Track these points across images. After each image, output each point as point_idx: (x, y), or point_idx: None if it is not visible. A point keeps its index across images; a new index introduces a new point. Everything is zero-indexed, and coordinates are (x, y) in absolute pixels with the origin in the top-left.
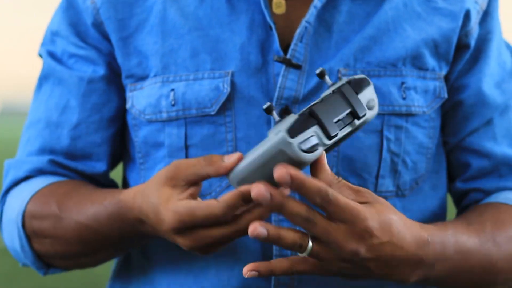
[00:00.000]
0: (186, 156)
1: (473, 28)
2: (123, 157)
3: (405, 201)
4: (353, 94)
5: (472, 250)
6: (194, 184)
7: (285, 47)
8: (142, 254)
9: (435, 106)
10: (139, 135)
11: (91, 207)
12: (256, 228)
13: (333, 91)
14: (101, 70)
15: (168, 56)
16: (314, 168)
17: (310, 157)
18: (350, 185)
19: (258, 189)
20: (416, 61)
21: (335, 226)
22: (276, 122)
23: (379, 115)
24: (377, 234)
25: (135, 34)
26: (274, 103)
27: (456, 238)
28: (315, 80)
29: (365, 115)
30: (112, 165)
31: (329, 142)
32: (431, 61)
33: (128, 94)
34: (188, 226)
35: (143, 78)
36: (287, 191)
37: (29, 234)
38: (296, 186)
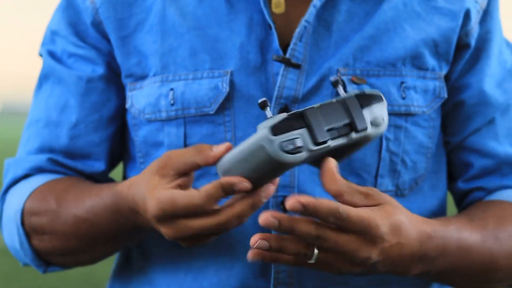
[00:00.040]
0: None
1: (473, 27)
2: (123, 157)
3: (405, 200)
4: (357, 107)
5: (473, 246)
6: (185, 175)
7: (284, 47)
8: (142, 253)
9: (435, 106)
10: (139, 135)
11: (88, 200)
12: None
13: (336, 100)
14: (100, 70)
15: (167, 56)
16: (326, 178)
17: (291, 158)
18: (360, 189)
19: (265, 217)
20: (415, 61)
21: (346, 238)
22: (268, 119)
23: None
24: (387, 238)
25: (134, 33)
26: (273, 103)
27: (458, 234)
28: (314, 79)
29: (365, 129)
30: (111, 165)
31: (315, 148)
32: (431, 61)
33: (128, 94)
34: (169, 214)
35: (143, 77)
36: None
37: (28, 231)
38: (309, 213)
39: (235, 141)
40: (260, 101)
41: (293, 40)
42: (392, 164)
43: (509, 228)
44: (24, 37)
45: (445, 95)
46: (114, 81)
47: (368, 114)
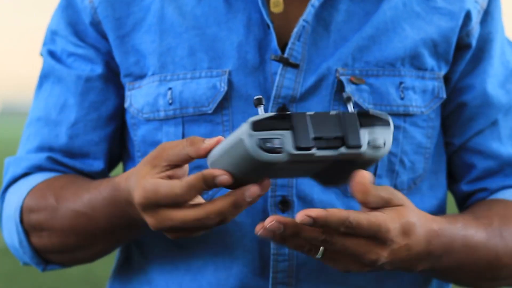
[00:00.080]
0: None
1: (474, 28)
2: (122, 156)
3: None
4: (354, 124)
5: (479, 244)
6: (178, 167)
7: (282, 46)
8: (141, 253)
9: (434, 106)
10: (137, 134)
11: (87, 194)
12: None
13: (336, 112)
14: (98, 69)
15: (165, 55)
16: (359, 191)
17: (266, 157)
18: (384, 196)
19: (269, 221)
20: (414, 61)
21: (354, 241)
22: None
23: None
24: (397, 240)
25: (133, 33)
26: (271, 102)
27: (465, 231)
28: (313, 79)
29: (357, 147)
30: (111, 165)
31: (295, 152)
32: (430, 61)
33: (127, 93)
34: (152, 203)
35: (141, 77)
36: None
37: (27, 228)
38: (320, 225)
39: None
40: (255, 98)
41: (291, 40)
42: (390, 164)
43: None
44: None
45: (444, 96)
46: (113, 80)
47: (367, 134)
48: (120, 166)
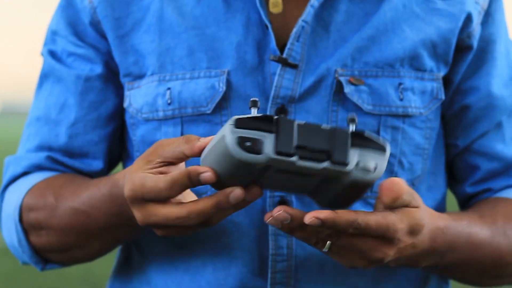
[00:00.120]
0: None
1: (475, 29)
2: (122, 156)
3: None
4: (344, 141)
5: (483, 242)
6: (172, 164)
7: (281, 46)
8: (141, 253)
9: (433, 107)
10: (137, 134)
11: (86, 192)
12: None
13: (329, 126)
14: (98, 69)
15: (164, 55)
16: (389, 196)
17: (244, 156)
18: (405, 199)
19: (278, 211)
20: (414, 62)
21: (361, 239)
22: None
23: (376, 115)
24: (404, 239)
25: (132, 32)
26: (270, 102)
27: (469, 229)
28: (311, 79)
29: (343, 164)
30: (111, 165)
31: (274, 156)
32: (429, 62)
33: (126, 93)
34: (138, 197)
35: (140, 76)
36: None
37: (26, 227)
38: (328, 227)
39: None
40: (251, 99)
41: (290, 40)
42: (389, 165)
43: None
44: (24, 37)
45: (443, 97)
46: (112, 80)
47: (357, 154)
48: (120, 166)
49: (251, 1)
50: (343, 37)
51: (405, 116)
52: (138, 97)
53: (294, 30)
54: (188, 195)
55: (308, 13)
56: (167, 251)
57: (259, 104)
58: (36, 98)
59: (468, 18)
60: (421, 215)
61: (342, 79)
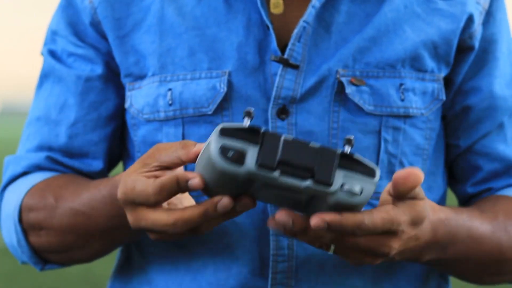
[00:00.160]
0: None
1: (476, 29)
2: (122, 156)
3: None
4: (330, 161)
5: (484, 236)
6: (168, 169)
7: (282, 47)
8: (141, 253)
9: (434, 108)
10: (138, 135)
11: (86, 193)
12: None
13: (319, 145)
14: (98, 69)
15: (165, 56)
16: (407, 185)
17: (225, 166)
18: (415, 190)
19: (279, 215)
20: (415, 63)
21: (366, 238)
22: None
23: (377, 116)
24: (407, 230)
25: (132, 33)
26: (271, 103)
27: (470, 223)
28: (313, 80)
29: (327, 185)
30: (110, 164)
31: (254, 169)
32: (430, 63)
33: (127, 94)
34: (129, 200)
35: (141, 77)
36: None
37: (26, 227)
38: (335, 230)
39: None
40: (246, 110)
41: (291, 41)
42: (390, 166)
43: None
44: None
45: (444, 97)
46: (112, 80)
47: (343, 176)
48: (120, 166)
49: (252, 1)
50: (344, 38)
51: (406, 117)
52: (139, 98)
53: (296, 30)
54: (186, 199)
55: (309, 13)
56: (167, 251)
57: (253, 115)
58: (36, 98)
59: (470, 19)
60: (423, 207)
61: (343, 79)
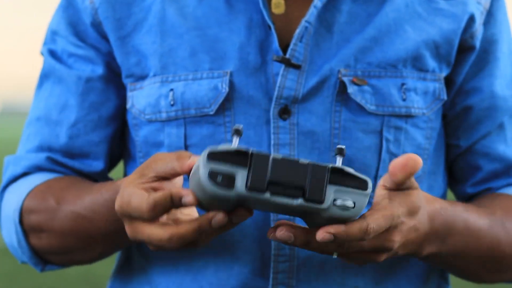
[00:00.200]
0: None
1: (477, 29)
2: (123, 156)
3: None
4: (321, 177)
5: (481, 229)
6: (166, 179)
7: (284, 47)
8: (142, 253)
9: (435, 107)
10: (139, 135)
11: (87, 197)
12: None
13: (308, 162)
14: (99, 70)
15: (167, 56)
16: (404, 172)
17: (215, 191)
18: (411, 178)
19: (280, 233)
20: (416, 62)
21: (370, 241)
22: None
23: (379, 116)
24: (406, 221)
25: (133, 33)
26: (273, 103)
27: (466, 215)
28: (314, 80)
29: (318, 202)
30: (111, 164)
31: (244, 192)
32: (431, 63)
33: (129, 94)
34: (125, 213)
35: (143, 77)
36: None
37: (26, 229)
38: (341, 241)
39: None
40: (234, 127)
41: (293, 41)
42: None
43: None
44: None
45: (445, 97)
46: (113, 81)
47: (334, 191)
48: (120, 166)
49: (253, 2)
50: (346, 38)
51: (407, 117)
52: (140, 98)
53: (297, 30)
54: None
55: (311, 13)
56: (169, 251)
57: (241, 132)
58: (36, 98)
59: (471, 19)
60: (416, 197)
61: (345, 79)
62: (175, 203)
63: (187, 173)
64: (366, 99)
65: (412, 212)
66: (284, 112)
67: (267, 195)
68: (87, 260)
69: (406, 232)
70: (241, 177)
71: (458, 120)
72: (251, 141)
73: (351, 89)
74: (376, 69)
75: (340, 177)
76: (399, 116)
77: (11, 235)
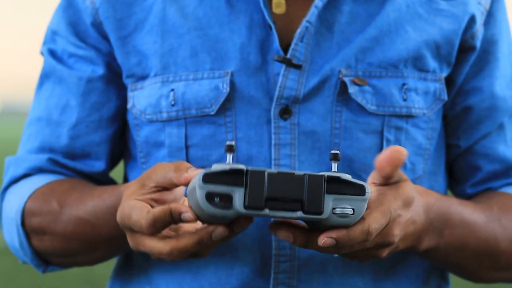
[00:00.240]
0: (187, 156)
1: (478, 30)
2: (124, 156)
3: None
4: (318, 188)
5: (477, 224)
6: (166, 189)
7: (285, 47)
8: (142, 253)
9: (435, 108)
10: (140, 135)
11: (90, 201)
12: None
13: (304, 173)
14: (100, 70)
15: (167, 56)
16: (391, 165)
17: (214, 211)
18: (399, 171)
19: (280, 233)
20: (417, 63)
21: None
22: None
23: (380, 116)
24: (402, 213)
25: (134, 33)
26: (274, 103)
27: (461, 208)
28: (315, 80)
29: (317, 213)
30: (111, 164)
31: (243, 211)
32: (432, 63)
33: (129, 94)
34: (126, 226)
35: (143, 77)
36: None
37: (29, 231)
38: (344, 245)
39: (236, 142)
40: (227, 144)
41: (294, 41)
42: None
43: None
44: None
45: (445, 97)
46: (114, 81)
47: (331, 201)
48: (120, 166)
49: (254, 2)
50: (347, 38)
51: (408, 117)
52: (141, 98)
53: (298, 30)
54: None
55: (312, 13)
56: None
57: (234, 148)
58: (36, 98)
59: (472, 19)
60: (408, 188)
61: (346, 79)
62: (174, 219)
63: (184, 185)
64: (367, 99)
65: (407, 203)
66: (285, 112)
67: (266, 211)
68: (89, 263)
69: (405, 224)
70: (238, 197)
71: (458, 120)
72: (252, 141)
73: (352, 89)
74: (377, 69)
75: (337, 185)
76: (400, 116)
77: (12, 236)
